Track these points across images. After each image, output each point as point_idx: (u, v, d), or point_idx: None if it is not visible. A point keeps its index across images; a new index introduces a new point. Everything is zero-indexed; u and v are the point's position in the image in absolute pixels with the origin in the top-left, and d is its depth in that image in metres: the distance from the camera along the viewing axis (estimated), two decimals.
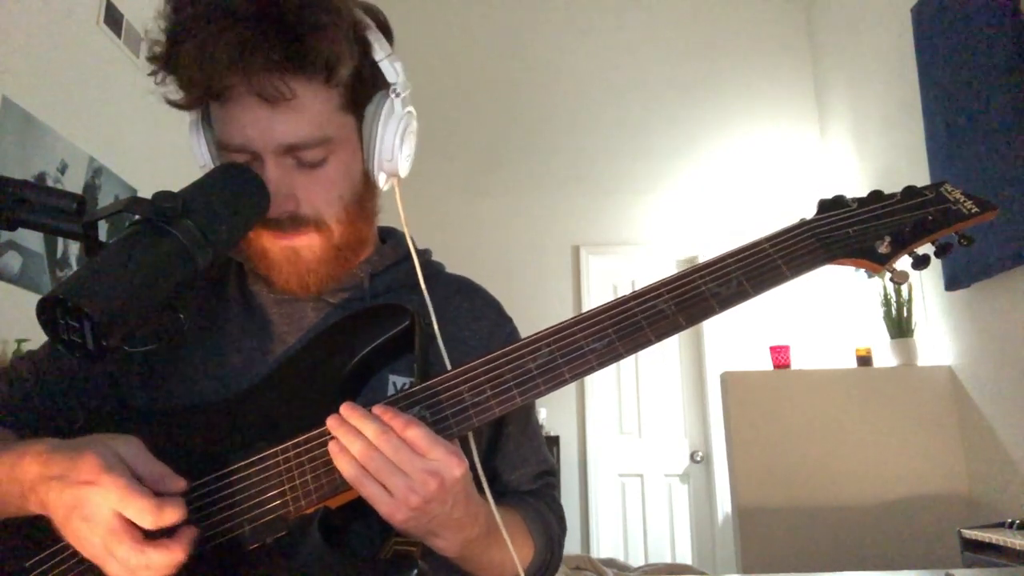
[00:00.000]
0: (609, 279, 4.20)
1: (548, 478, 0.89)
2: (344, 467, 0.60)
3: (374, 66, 0.75)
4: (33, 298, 2.18)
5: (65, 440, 0.61)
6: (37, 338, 1.91)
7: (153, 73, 0.72)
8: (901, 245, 0.70)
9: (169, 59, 0.69)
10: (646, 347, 0.65)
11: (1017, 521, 2.11)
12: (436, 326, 0.75)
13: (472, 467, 0.67)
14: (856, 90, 3.80)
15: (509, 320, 0.89)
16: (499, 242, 4.15)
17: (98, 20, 2.59)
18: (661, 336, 0.65)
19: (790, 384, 2.92)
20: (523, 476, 0.86)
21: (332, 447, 0.61)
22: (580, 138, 4.30)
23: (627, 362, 4.13)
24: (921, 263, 0.71)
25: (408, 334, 0.69)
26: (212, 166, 0.77)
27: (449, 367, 0.74)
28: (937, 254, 0.71)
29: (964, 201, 0.71)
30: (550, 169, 4.29)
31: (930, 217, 0.70)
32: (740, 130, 4.26)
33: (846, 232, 0.70)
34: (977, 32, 2.59)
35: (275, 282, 0.78)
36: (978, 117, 2.58)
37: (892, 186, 0.78)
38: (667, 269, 4.20)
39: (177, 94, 0.72)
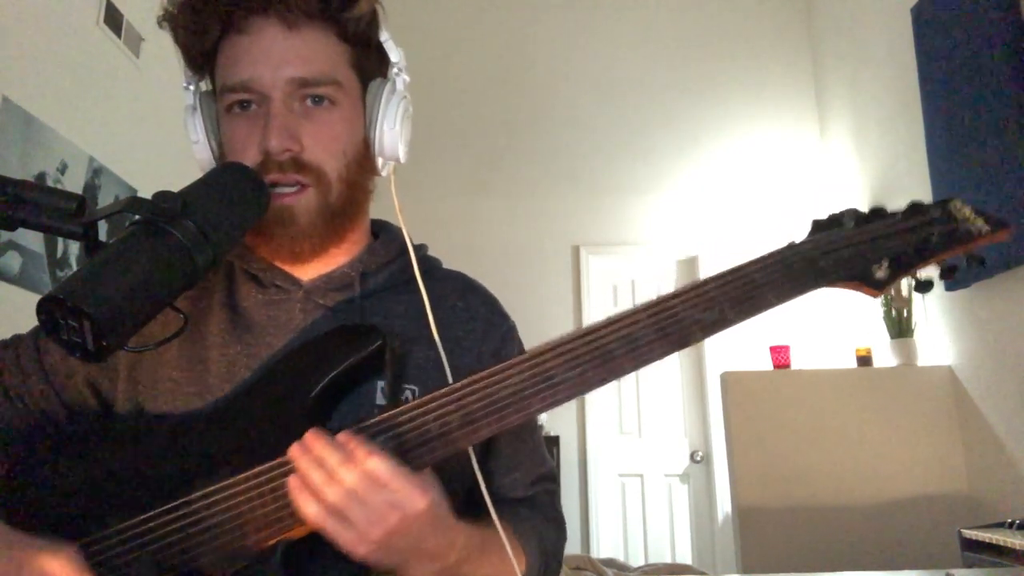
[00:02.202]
0: (609, 279, 4.20)
1: (546, 484, 0.86)
2: (303, 505, 0.58)
3: (379, 47, 0.78)
4: (33, 298, 2.18)
5: (7, 535, 0.61)
6: None
7: (169, 19, 0.74)
8: (901, 269, 0.65)
9: None
10: (621, 376, 0.63)
11: (1017, 521, 2.11)
12: (434, 328, 0.74)
13: (454, 488, 0.64)
14: (856, 90, 3.80)
15: (506, 318, 0.86)
16: (499, 242, 4.15)
17: (98, 20, 2.58)
18: (637, 365, 0.62)
19: (790, 384, 2.92)
20: (518, 480, 0.83)
21: (292, 482, 0.59)
22: (580, 138, 4.30)
23: None
24: (923, 287, 0.66)
25: (379, 356, 0.67)
26: (205, 143, 0.78)
27: (449, 372, 0.73)
28: (943, 276, 0.66)
29: (974, 219, 0.65)
30: (550, 169, 4.28)
31: (934, 238, 0.65)
32: (740, 130, 4.26)
33: (840, 255, 0.65)
34: (977, 32, 2.58)
35: (266, 252, 0.77)
36: (978, 117, 2.57)
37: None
38: (667, 269, 4.20)
39: (194, 36, 0.74)
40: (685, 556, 3.83)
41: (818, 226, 0.68)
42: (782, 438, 2.80)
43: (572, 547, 3.69)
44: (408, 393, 0.74)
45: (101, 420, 0.76)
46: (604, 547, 3.81)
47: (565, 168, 4.28)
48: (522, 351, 0.85)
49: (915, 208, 0.67)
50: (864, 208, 0.70)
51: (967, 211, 0.66)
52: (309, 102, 0.74)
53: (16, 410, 0.76)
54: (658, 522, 3.91)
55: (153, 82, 2.86)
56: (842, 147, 3.96)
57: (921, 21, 2.98)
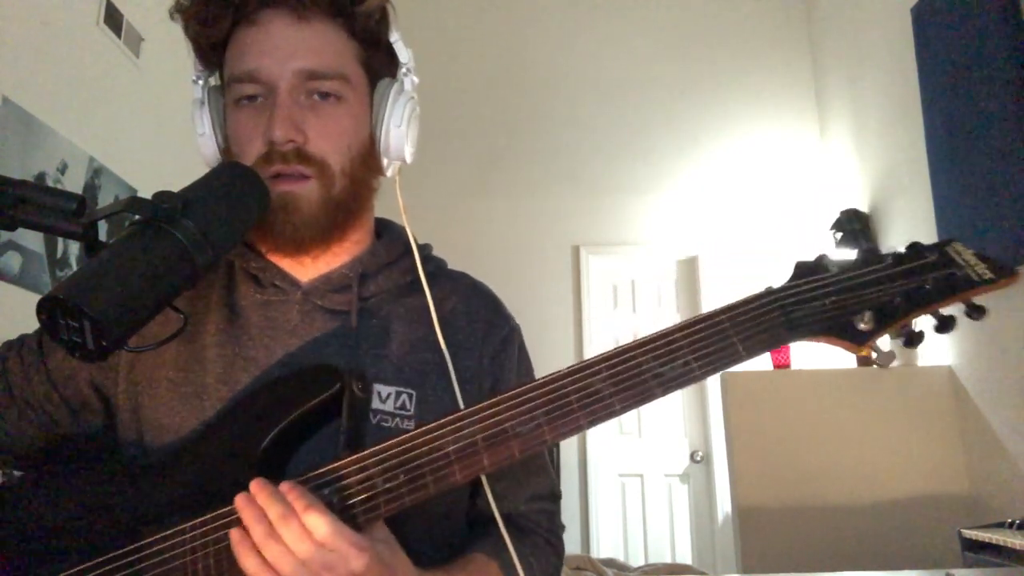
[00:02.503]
0: (609, 279, 4.20)
1: (544, 503, 0.83)
2: (243, 559, 0.57)
3: (389, 47, 0.79)
4: (33, 298, 2.18)
5: None
6: None
7: (181, 11, 0.75)
8: (886, 320, 0.59)
9: None
10: (576, 433, 0.59)
11: (1017, 521, 2.10)
12: (439, 332, 0.75)
13: (456, 497, 0.64)
14: (856, 90, 3.79)
15: (508, 320, 0.85)
16: (499, 242, 4.15)
17: (98, 20, 2.58)
18: (594, 421, 0.59)
19: (790, 384, 2.92)
20: (509, 488, 0.80)
21: (233, 535, 0.58)
22: (580, 138, 4.30)
23: None
24: (912, 340, 0.60)
25: (338, 399, 0.64)
26: (211, 136, 0.79)
27: (454, 377, 0.73)
28: (938, 329, 0.59)
29: (975, 264, 0.59)
30: (550, 169, 4.29)
31: (928, 286, 0.58)
32: (740, 130, 4.26)
33: (820, 304, 0.59)
34: (977, 32, 2.58)
35: (268, 246, 0.76)
36: (978, 117, 2.57)
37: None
38: (667, 269, 4.20)
39: (205, 27, 0.74)
40: (685, 556, 3.83)
41: (801, 269, 0.62)
42: (782, 438, 2.80)
43: (572, 547, 3.69)
44: (404, 397, 0.74)
45: (86, 440, 0.76)
46: (604, 547, 3.81)
47: (565, 168, 4.28)
48: (524, 355, 0.85)
49: (910, 251, 0.60)
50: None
51: (968, 255, 0.60)
52: (316, 96, 0.74)
53: (20, 411, 0.76)
54: (658, 522, 3.91)
55: (153, 82, 2.86)
56: (842, 147, 3.96)
57: (921, 21, 2.98)
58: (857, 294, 0.59)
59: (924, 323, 0.60)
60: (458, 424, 0.60)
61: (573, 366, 0.61)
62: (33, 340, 0.79)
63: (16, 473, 0.81)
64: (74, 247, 2.45)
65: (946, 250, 0.60)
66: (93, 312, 0.54)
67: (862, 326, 0.58)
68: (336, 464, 0.61)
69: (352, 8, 0.74)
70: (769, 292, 0.61)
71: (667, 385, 0.59)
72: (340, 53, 0.75)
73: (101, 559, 0.63)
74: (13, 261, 2.19)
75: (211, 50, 0.77)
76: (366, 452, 0.61)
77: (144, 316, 0.59)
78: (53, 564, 0.64)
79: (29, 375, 0.76)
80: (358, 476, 0.60)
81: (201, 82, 0.79)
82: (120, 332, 0.56)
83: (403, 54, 0.79)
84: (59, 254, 2.40)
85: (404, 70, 0.80)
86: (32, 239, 2.26)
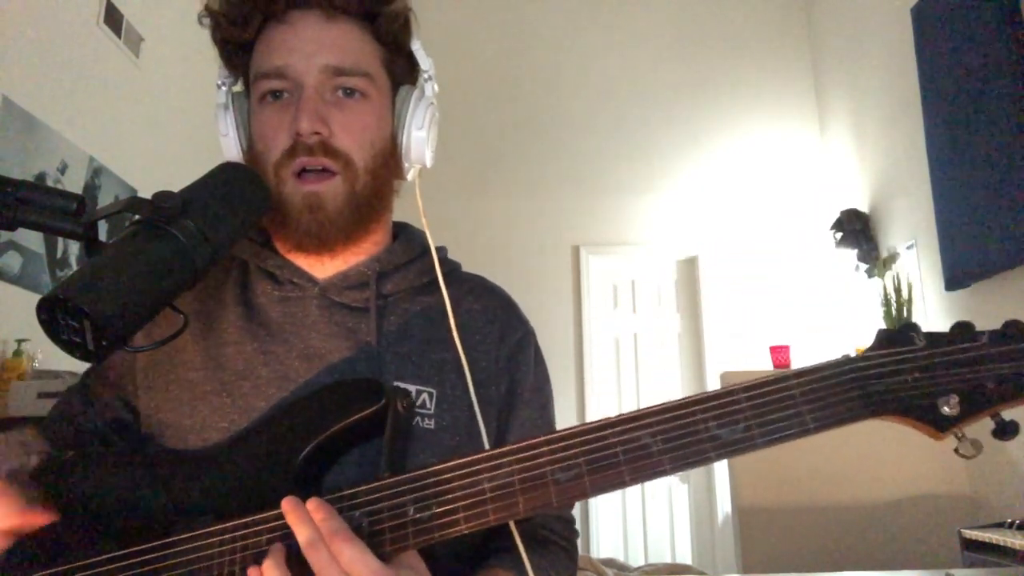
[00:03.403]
0: (609, 279, 4.20)
1: (560, 509, 0.82)
2: None
3: (410, 55, 0.81)
4: (33, 298, 2.18)
5: None
6: (37, 338, 1.92)
7: (210, 13, 0.76)
8: (975, 407, 0.54)
9: None
10: (620, 488, 0.56)
11: (1017, 521, 2.11)
12: (455, 331, 0.75)
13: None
14: (856, 90, 3.80)
15: (523, 323, 0.85)
16: (499, 242, 4.15)
17: (98, 20, 2.59)
18: (638, 478, 0.55)
19: None
20: None
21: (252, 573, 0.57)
22: (580, 138, 4.30)
23: (626, 361, 4.13)
24: (1006, 432, 0.54)
25: (381, 416, 0.63)
26: (235, 137, 0.80)
27: (469, 377, 0.73)
28: None
29: None
30: (550, 169, 4.29)
31: None
32: (740, 130, 4.27)
33: (902, 380, 0.54)
34: (977, 32, 2.59)
35: (291, 244, 0.76)
36: (978, 117, 2.58)
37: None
38: (667, 269, 4.20)
39: (235, 26, 0.76)
40: (685, 556, 3.83)
41: (883, 339, 0.56)
42: None
43: None
44: (425, 396, 0.74)
45: (111, 442, 0.76)
46: (604, 547, 3.81)
47: (565, 168, 4.28)
48: (540, 358, 0.85)
49: (1009, 330, 0.54)
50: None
51: None
52: (341, 93, 0.75)
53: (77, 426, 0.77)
54: (658, 522, 3.91)
55: (153, 82, 2.86)
56: (842, 147, 3.96)
57: (921, 21, 2.98)
58: (945, 374, 0.54)
59: (1020, 412, 0.54)
60: (497, 462, 0.58)
61: (623, 415, 0.57)
62: (79, 387, 0.81)
63: None
64: (74, 247, 2.45)
65: None
66: (93, 312, 0.54)
67: (946, 410, 0.54)
68: (369, 486, 0.60)
69: (379, 9, 0.77)
70: (847, 360, 0.56)
71: (722, 450, 0.56)
72: (365, 52, 0.77)
73: (130, 550, 0.63)
74: (13, 261, 2.19)
75: (238, 52, 0.78)
76: (401, 477, 0.60)
77: (144, 316, 0.59)
78: (87, 546, 0.65)
79: (87, 404, 0.78)
80: (390, 502, 0.59)
81: (225, 87, 0.80)
82: (120, 332, 0.56)
83: (425, 61, 0.82)
84: (59, 254, 2.40)
85: (426, 76, 0.82)
86: (32, 239, 2.26)
